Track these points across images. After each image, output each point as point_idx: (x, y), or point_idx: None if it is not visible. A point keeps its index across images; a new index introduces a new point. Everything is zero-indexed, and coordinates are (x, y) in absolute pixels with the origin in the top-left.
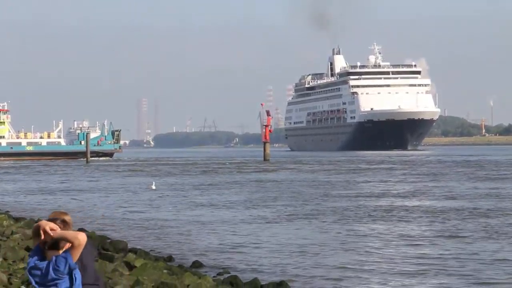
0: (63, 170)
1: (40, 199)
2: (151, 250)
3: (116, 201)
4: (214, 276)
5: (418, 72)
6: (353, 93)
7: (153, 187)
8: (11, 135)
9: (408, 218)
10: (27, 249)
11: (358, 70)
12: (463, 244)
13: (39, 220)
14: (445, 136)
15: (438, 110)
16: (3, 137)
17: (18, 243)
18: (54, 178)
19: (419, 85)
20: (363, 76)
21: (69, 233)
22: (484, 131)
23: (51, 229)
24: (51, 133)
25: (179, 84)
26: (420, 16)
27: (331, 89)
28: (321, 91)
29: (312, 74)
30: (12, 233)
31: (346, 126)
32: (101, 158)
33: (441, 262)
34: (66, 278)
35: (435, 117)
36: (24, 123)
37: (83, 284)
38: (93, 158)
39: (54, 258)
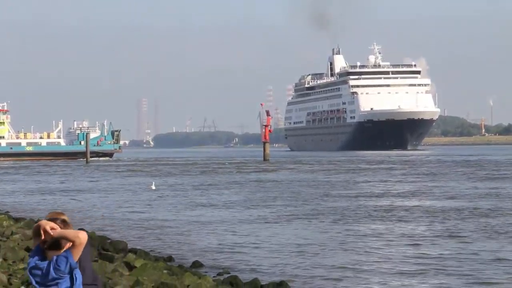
0: (63, 171)
1: (40, 199)
2: (151, 250)
3: (116, 201)
4: (214, 276)
5: (418, 72)
6: (353, 93)
7: (153, 187)
8: (11, 135)
9: (407, 218)
10: (27, 249)
11: (358, 70)
12: (463, 244)
13: (39, 220)
14: (445, 136)
15: (438, 110)
16: (3, 137)
17: (18, 244)
18: (54, 179)
19: (419, 85)
20: (363, 76)
21: (70, 232)
22: (483, 131)
23: (52, 228)
24: (50, 134)
25: (179, 84)
26: (420, 16)
27: (331, 89)
28: (321, 91)
29: (312, 74)
30: (12, 233)
31: (346, 126)
32: (101, 158)
33: (441, 262)
34: (67, 277)
35: (435, 117)
36: (24, 124)
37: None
38: (93, 158)
39: (55, 257)
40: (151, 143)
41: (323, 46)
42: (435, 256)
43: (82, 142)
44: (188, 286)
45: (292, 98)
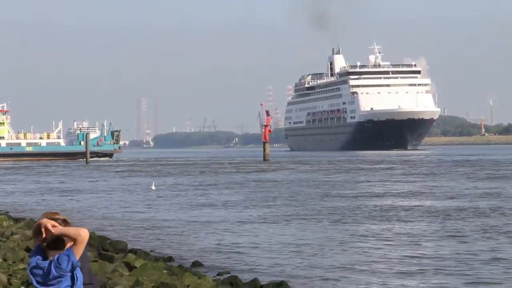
0: (63, 171)
1: (40, 199)
2: (151, 251)
3: (115, 201)
4: (214, 276)
5: (418, 72)
6: (353, 93)
7: (153, 187)
8: (11, 135)
9: (407, 218)
10: (27, 249)
11: (358, 70)
12: (462, 244)
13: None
14: (445, 136)
15: (438, 109)
16: (3, 137)
17: (18, 244)
18: (53, 179)
19: (419, 84)
20: (363, 76)
21: (71, 230)
22: (483, 130)
23: (53, 226)
24: (50, 134)
25: (179, 84)
26: (420, 16)
27: (331, 89)
28: (321, 91)
29: (312, 74)
30: (12, 233)
31: (346, 126)
32: (100, 159)
33: (440, 262)
34: (68, 276)
35: (435, 117)
36: (24, 124)
37: None
38: (92, 159)
39: (56, 256)
40: (151, 143)
41: (323, 46)
42: (434, 256)
43: (82, 143)
44: (188, 286)
45: (292, 98)
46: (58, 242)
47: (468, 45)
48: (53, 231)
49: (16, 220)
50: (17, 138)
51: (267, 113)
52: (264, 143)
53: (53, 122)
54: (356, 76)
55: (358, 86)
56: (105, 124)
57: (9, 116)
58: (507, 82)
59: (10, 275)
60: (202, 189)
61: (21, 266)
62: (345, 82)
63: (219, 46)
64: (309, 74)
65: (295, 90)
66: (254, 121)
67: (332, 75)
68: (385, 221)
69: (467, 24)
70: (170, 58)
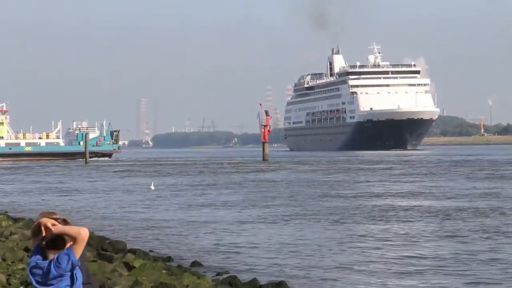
0: (62, 171)
1: (39, 199)
2: (150, 251)
3: (115, 201)
4: (213, 276)
5: (418, 72)
6: (353, 93)
7: (152, 187)
8: (10, 135)
9: (406, 218)
10: (26, 249)
11: (357, 70)
12: (461, 244)
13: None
14: (444, 136)
15: (438, 109)
16: (2, 137)
17: (17, 244)
18: (52, 179)
19: (419, 84)
20: (362, 76)
21: (71, 228)
22: (482, 130)
23: (53, 225)
24: (50, 134)
25: (179, 84)
26: (420, 16)
27: (330, 89)
28: (320, 91)
29: (311, 74)
30: (11, 233)
31: (346, 126)
32: (100, 159)
33: (439, 262)
34: (68, 276)
35: (435, 117)
36: (23, 124)
37: None
38: (92, 159)
39: (56, 256)
40: (150, 143)
41: (323, 46)
42: (433, 256)
43: (81, 143)
44: (187, 286)
45: (291, 98)
46: (58, 242)
47: (468, 45)
48: (53, 229)
49: (15, 220)
50: (16, 138)
51: (266, 113)
52: (263, 143)
53: (52, 122)
54: (356, 76)
55: (357, 86)
56: (104, 124)
57: (8, 116)
58: (506, 82)
59: (9, 275)
60: (201, 189)
61: (20, 266)
62: (345, 82)
63: (219, 46)
64: (309, 74)
65: (295, 90)
66: (253, 121)
67: (331, 75)
68: (384, 221)
69: (467, 24)
70: (170, 58)
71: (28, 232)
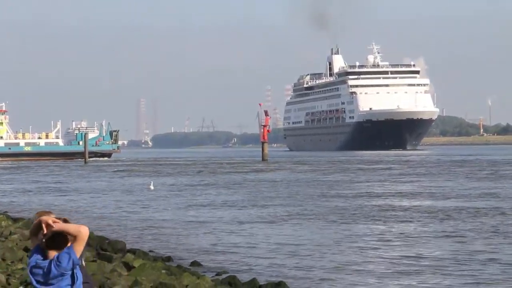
0: (61, 171)
1: (38, 199)
2: (150, 251)
3: (114, 201)
4: (212, 276)
5: (417, 72)
6: (352, 93)
7: (152, 187)
8: (9, 135)
9: (406, 218)
10: (26, 249)
11: (356, 70)
12: (461, 244)
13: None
14: (444, 136)
15: (437, 110)
16: (1, 137)
17: (17, 244)
18: (52, 179)
19: (418, 84)
20: (361, 76)
21: (71, 226)
22: (482, 130)
23: (54, 222)
24: (49, 134)
25: (178, 84)
26: (420, 16)
27: (330, 89)
28: (320, 91)
29: (311, 74)
30: (11, 233)
31: (345, 126)
32: (99, 159)
33: (439, 262)
34: (68, 275)
35: (434, 117)
36: (23, 124)
37: None
38: (91, 159)
39: (56, 255)
40: (150, 143)
41: (322, 46)
42: (432, 256)
43: (81, 142)
44: (186, 286)
45: (291, 98)
46: (60, 240)
47: (468, 45)
48: (54, 226)
49: (15, 220)
50: (16, 138)
51: (266, 113)
52: (263, 143)
53: (52, 122)
54: (355, 76)
55: (357, 86)
56: (103, 124)
57: (7, 116)
58: (506, 82)
59: (8, 275)
60: (200, 189)
61: (20, 266)
62: (344, 82)
63: (219, 46)
64: (308, 74)
65: (294, 90)
66: (253, 121)
67: (331, 75)
68: (383, 221)
69: (467, 24)
70: (170, 58)
71: (27, 232)
